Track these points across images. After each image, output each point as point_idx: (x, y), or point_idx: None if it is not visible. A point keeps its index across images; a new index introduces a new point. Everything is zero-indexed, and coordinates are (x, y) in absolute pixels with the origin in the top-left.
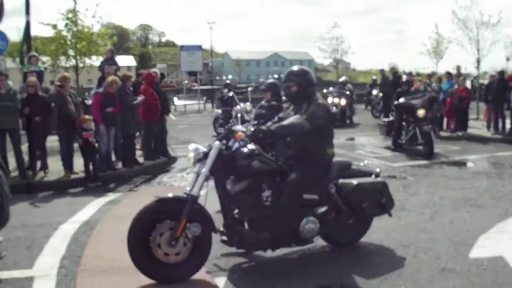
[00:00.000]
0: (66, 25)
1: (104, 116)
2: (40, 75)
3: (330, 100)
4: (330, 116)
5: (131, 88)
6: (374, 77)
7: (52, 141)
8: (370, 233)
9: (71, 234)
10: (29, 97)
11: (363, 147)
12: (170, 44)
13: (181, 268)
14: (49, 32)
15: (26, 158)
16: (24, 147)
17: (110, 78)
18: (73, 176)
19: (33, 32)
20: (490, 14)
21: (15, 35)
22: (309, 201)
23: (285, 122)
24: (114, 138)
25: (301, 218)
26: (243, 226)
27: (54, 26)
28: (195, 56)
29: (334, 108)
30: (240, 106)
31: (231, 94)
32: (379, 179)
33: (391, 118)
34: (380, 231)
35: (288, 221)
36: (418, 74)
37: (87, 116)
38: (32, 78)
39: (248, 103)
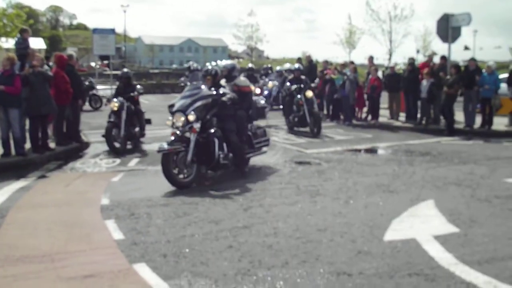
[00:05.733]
0: None
1: None
2: None
3: None
4: None
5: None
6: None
7: None
8: (286, 217)
9: None
10: None
11: (276, 134)
12: (81, 27)
13: None
14: None
15: None
16: None
17: (5, 55)
18: None
19: None
20: (403, 7)
21: None
22: None
23: None
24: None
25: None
26: None
27: None
28: (107, 40)
29: None
30: None
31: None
32: None
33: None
34: (296, 216)
35: None
36: (330, 63)
37: None
38: None
39: None
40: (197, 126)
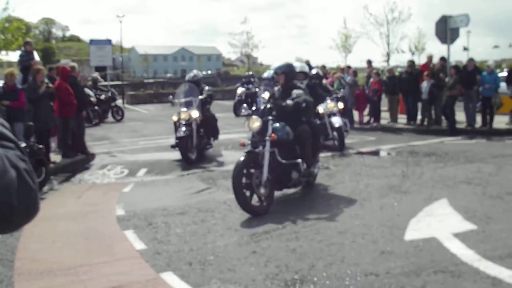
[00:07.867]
0: None
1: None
2: None
3: None
4: None
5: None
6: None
7: None
8: (305, 221)
9: None
10: None
11: None
12: (74, 39)
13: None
14: None
15: None
16: None
17: (6, 70)
18: None
19: None
20: (400, 11)
21: None
22: None
23: None
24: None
25: None
26: None
27: None
28: (104, 51)
29: None
30: None
31: None
32: None
33: None
34: (315, 219)
35: None
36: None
37: None
38: None
39: None
40: None
